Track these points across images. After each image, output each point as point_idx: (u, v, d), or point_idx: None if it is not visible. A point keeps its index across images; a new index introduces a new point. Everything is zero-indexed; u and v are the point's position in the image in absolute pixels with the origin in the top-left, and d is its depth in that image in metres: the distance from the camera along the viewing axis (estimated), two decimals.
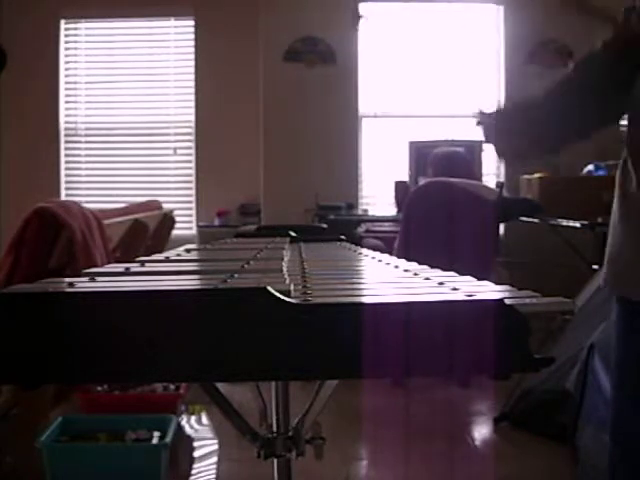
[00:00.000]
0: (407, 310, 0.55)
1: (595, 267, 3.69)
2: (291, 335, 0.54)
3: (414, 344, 0.54)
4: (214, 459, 2.74)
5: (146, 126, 5.94)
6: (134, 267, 0.90)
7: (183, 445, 2.82)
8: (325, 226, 1.85)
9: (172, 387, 2.91)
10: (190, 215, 5.93)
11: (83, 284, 0.71)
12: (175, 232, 4.33)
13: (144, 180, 5.94)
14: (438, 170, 4.05)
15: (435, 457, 2.86)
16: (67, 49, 5.91)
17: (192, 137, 5.92)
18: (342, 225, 4.80)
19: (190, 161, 5.94)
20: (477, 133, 1.39)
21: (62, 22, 5.83)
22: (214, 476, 2.61)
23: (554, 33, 5.37)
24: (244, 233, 1.92)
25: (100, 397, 2.80)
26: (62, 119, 5.91)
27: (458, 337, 0.54)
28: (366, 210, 5.47)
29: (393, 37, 5.56)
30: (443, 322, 0.55)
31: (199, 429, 3.04)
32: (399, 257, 1.12)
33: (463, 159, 4.25)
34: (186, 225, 5.83)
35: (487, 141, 1.36)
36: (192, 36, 5.85)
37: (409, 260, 1.00)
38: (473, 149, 4.88)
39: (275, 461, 1.11)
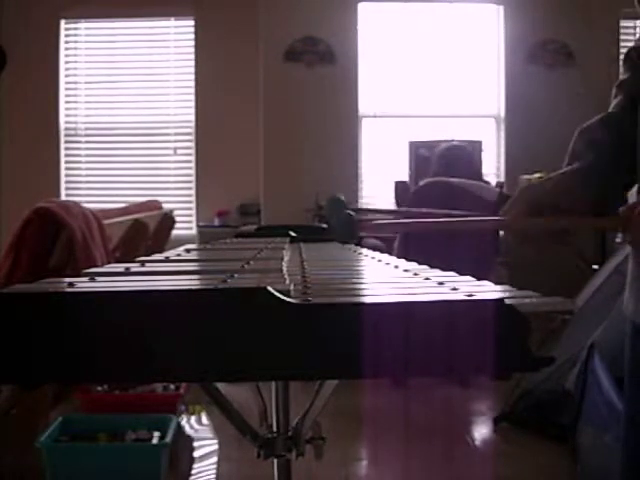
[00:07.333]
0: (407, 310, 0.55)
1: (595, 267, 3.70)
2: (291, 335, 0.54)
3: (414, 344, 0.54)
4: (214, 459, 2.74)
5: (146, 126, 5.94)
6: (134, 267, 0.89)
7: (183, 445, 2.82)
8: (325, 226, 1.84)
9: (172, 387, 2.91)
10: (190, 215, 5.93)
11: (83, 284, 0.71)
12: (175, 232, 4.33)
13: (144, 180, 5.94)
14: (441, 167, 4.05)
15: (435, 457, 2.86)
16: (67, 49, 5.91)
17: (192, 137, 5.92)
18: None
19: (190, 161, 5.94)
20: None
21: (62, 22, 5.84)
22: (214, 476, 2.60)
23: (554, 33, 5.37)
24: (244, 233, 1.92)
25: (100, 397, 2.80)
26: (62, 119, 5.91)
27: (458, 337, 0.54)
28: None
29: (393, 37, 5.56)
30: (443, 322, 0.54)
31: (199, 429, 3.04)
32: (399, 257, 1.12)
33: (466, 155, 4.26)
34: (186, 225, 5.82)
35: None
36: (192, 36, 5.85)
37: (409, 260, 1.00)
38: (473, 149, 4.87)
39: (275, 461, 1.11)
